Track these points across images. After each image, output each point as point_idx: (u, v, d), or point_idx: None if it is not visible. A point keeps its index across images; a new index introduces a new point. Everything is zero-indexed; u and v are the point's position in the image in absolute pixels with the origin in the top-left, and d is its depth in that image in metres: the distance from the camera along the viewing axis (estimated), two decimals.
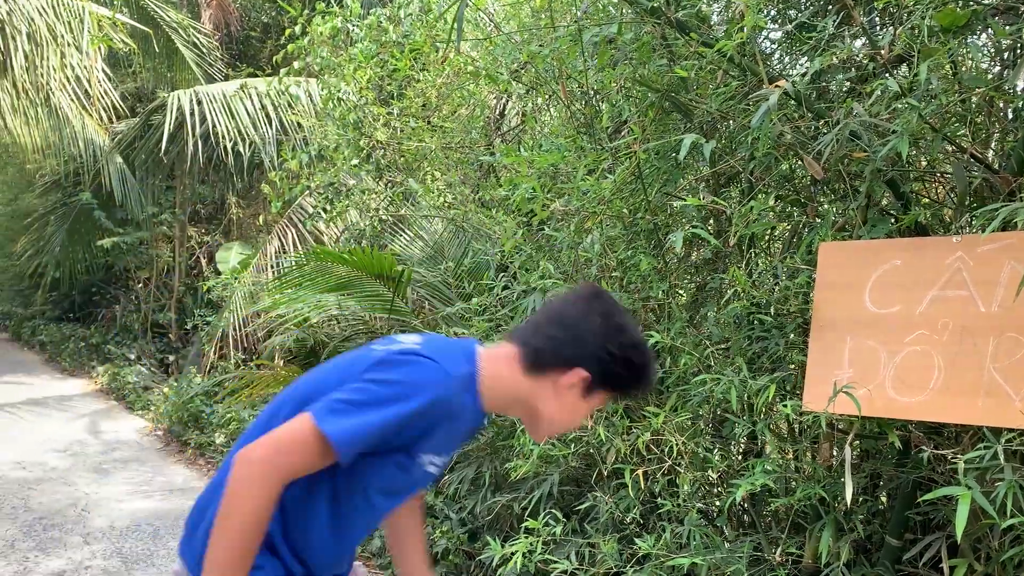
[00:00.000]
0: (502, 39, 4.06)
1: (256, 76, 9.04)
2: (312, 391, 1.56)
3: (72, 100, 8.67)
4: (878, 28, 2.69)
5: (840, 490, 2.20)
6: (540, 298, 3.14)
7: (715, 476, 3.09)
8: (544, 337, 1.59)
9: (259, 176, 9.80)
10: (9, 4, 7.46)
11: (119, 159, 10.18)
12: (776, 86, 2.11)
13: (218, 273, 9.51)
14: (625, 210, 3.01)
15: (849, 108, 2.18)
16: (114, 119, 9.95)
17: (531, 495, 3.34)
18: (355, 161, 5.38)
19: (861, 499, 2.61)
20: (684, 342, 2.67)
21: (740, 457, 3.03)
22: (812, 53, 2.45)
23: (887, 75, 2.22)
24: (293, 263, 5.65)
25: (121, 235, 10.98)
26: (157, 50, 9.93)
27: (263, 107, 8.77)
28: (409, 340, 1.57)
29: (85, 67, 8.24)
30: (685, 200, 2.52)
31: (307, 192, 6.68)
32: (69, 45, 7.84)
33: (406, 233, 5.76)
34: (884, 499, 2.74)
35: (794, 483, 2.46)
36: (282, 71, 6.40)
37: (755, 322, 2.64)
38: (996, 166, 2.28)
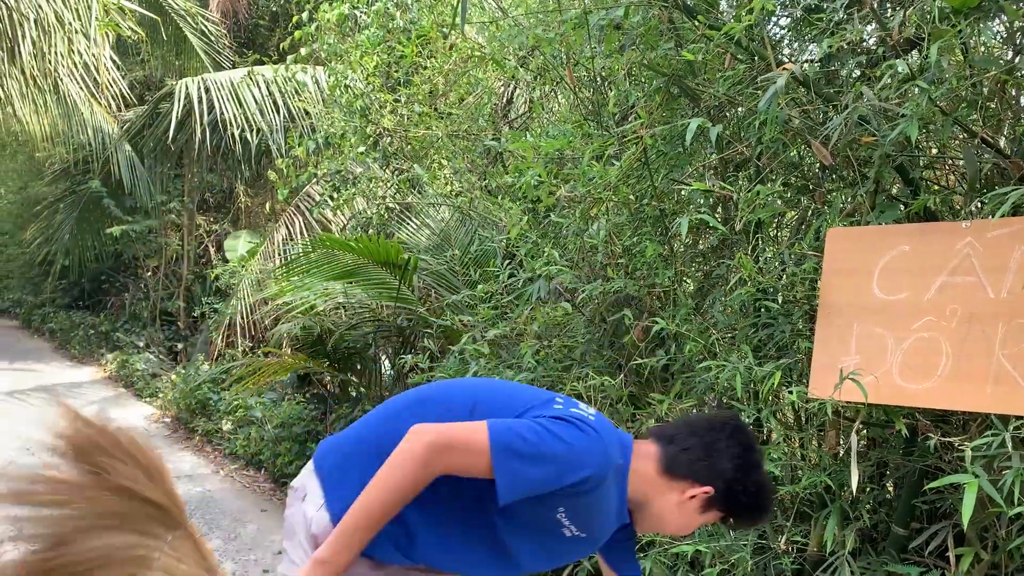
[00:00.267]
0: (509, 24, 4.03)
1: (262, 63, 9.02)
2: (478, 403, 1.69)
3: (81, 88, 8.66)
4: (888, 11, 2.65)
5: (846, 478, 2.18)
6: (545, 285, 3.12)
7: None
8: (685, 448, 1.71)
9: (267, 164, 9.80)
10: None
11: (128, 147, 10.18)
12: (784, 69, 2.08)
13: (226, 261, 9.53)
14: (631, 196, 2.99)
15: (858, 92, 2.15)
16: (123, 107, 9.95)
17: None
18: (361, 149, 5.36)
19: (867, 488, 2.58)
20: (690, 329, 2.65)
21: None
22: (821, 37, 2.42)
23: (897, 58, 2.19)
24: (300, 251, 5.64)
25: (130, 223, 11.00)
26: (165, 38, 9.91)
27: (270, 95, 8.76)
28: (586, 409, 1.69)
29: (93, 55, 8.24)
30: (691, 185, 2.49)
31: (314, 180, 6.67)
32: (77, 32, 7.83)
33: (413, 221, 5.74)
34: (891, 488, 2.72)
35: (800, 471, 2.44)
36: (289, 58, 6.38)
37: (762, 309, 2.61)
38: (1008, 152, 2.25)
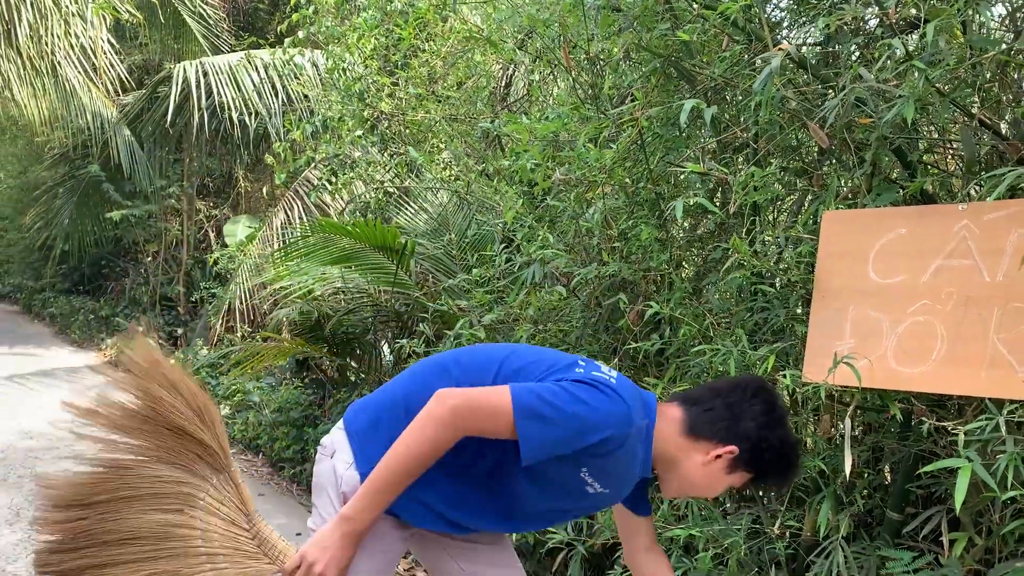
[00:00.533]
0: (505, 5, 3.99)
1: (258, 46, 8.97)
2: (505, 366, 1.73)
3: (79, 71, 8.64)
4: None
5: (840, 463, 2.17)
6: (540, 269, 3.10)
7: None
8: (707, 408, 1.74)
9: (266, 148, 9.77)
10: None
11: (127, 131, 10.15)
12: (779, 49, 2.05)
13: (226, 246, 9.51)
14: (627, 180, 2.96)
15: (856, 73, 2.12)
16: (121, 91, 9.91)
17: None
18: (359, 132, 5.33)
19: (863, 473, 2.57)
20: (684, 313, 2.63)
21: None
22: (819, 17, 2.39)
23: (897, 38, 2.16)
24: (297, 235, 5.63)
25: (129, 208, 10.98)
26: (163, 21, 9.86)
27: (269, 78, 8.73)
28: (608, 371, 1.71)
29: (90, 37, 8.20)
30: (686, 168, 2.47)
31: (312, 165, 6.64)
32: (74, 15, 7.79)
33: (411, 206, 5.72)
34: (887, 472, 2.70)
35: None
36: (286, 41, 6.34)
37: (758, 293, 2.59)
38: (1007, 134, 2.23)
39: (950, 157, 2.66)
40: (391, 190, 5.78)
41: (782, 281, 2.55)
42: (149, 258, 12.18)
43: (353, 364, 6.05)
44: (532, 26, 3.39)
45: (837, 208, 2.30)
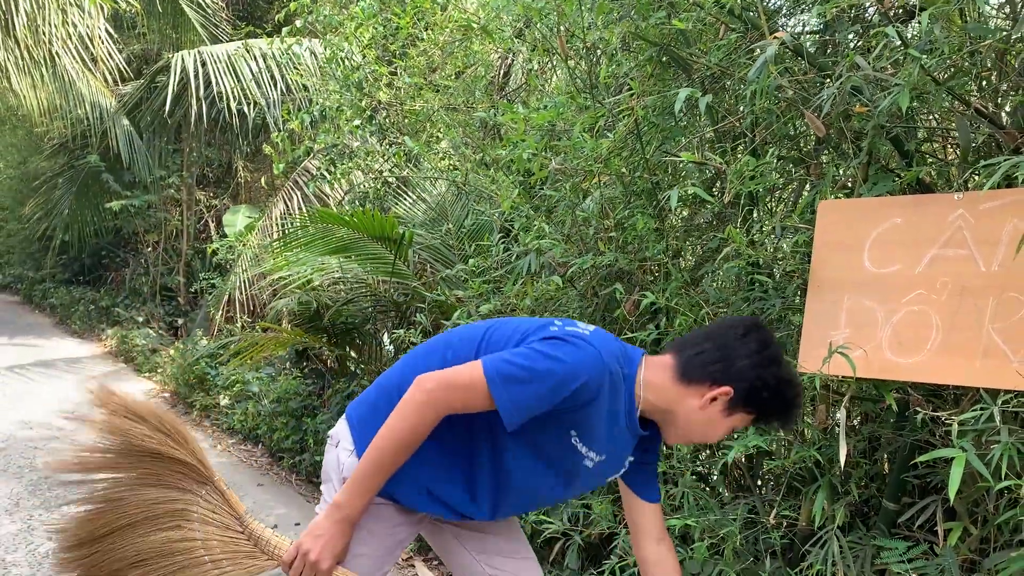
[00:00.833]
0: None
1: (255, 36, 8.93)
2: (488, 338, 1.76)
3: (76, 61, 8.61)
4: None
5: (836, 453, 2.17)
6: (536, 259, 3.10)
7: None
8: (699, 351, 1.72)
9: (265, 138, 9.74)
10: None
11: (125, 121, 10.12)
12: (774, 37, 2.04)
13: (225, 236, 9.50)
14: (624, 169, 2.95)
15: (852, 61, 2.10)
16: (120, 81, 9.88)
17: None
18: (357, 122, 5.31)
19: (859, 462, 2.57)
20: (680, 303, 2.63)
21: None
22: (815, 5, 2.37)
23: (892, 26, 2.14)
24: (296, 225, 5.62)
25: (129, 198, 10.96)
26: (161, 11, 9.82)
27: (267, 68, 8.69)
28: (584, 327, 1.72)
29: (88, 27, 8.17)
30: (681, 157, 2.46)
31: (312, 154, 6.63)
32: (71, 5, 7.75)
33: (409, 195, 5.71)
34: (884, 463, 2.70)
35: (788, 445, 2.42)
36: (284, 30, 6.32)
37: (755, 283, 2.59)
38: (1005, 123, 2.21)
39: (948, 146, 2.64)
40: (390, 180, 5.77)
41: (780, 271, 2.54)
42: (149, 248, 12.17)
43: (352, 354, 6.05)
44: (528, 15, 3.37)
45: (835, 197, 2.29)
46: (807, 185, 2.76)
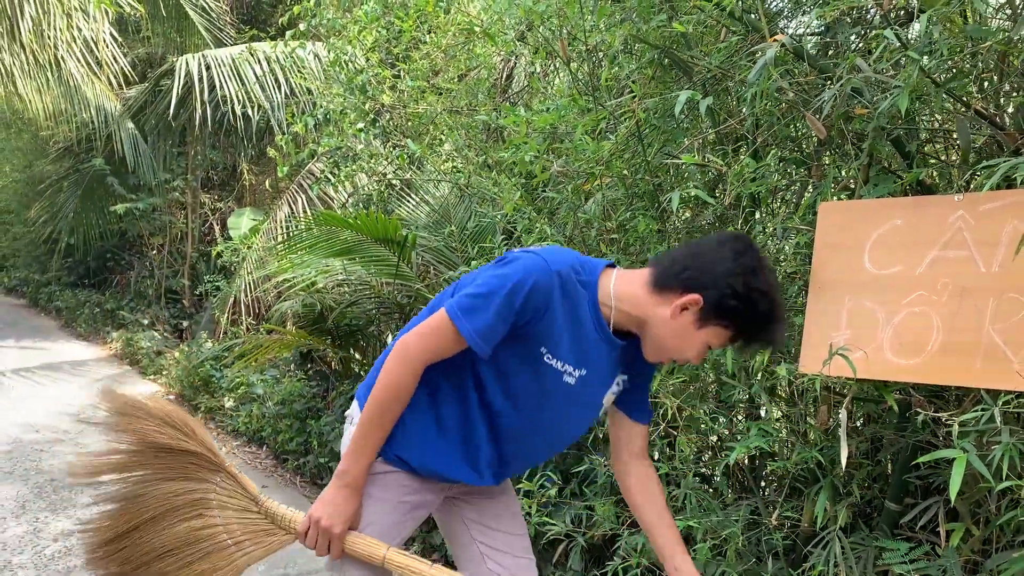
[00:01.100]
0: None
1: (259, 39, 8.95)
2: (457, 285, 1.82)
3: (81, 65, 8.63)
4: None
5: (837, 454, 2.17)
6: None
7: (715, 440, 3.07)
8: (672, 260, 1.71)
9: (270, 141, 9.77)
10: None
11: (130, 124, 10.16)
12: (774, 40, 2.05)
13: (230, 239, 9.52)
14: (625, 171, 2.96)
15: (852, 63, 2.11)
16: (125, 85, 9.92)
17: None
18: (360, 125, 5.33)
19: (862, 463, 2.58)
20: None
21: (743, 420, 3.00)
22: (815, 7, 2.38)
23: (898, 28, 2.15)
24: (300, 228, 5.63)
25: (134, 201, 10.99)
26: (165, 14, 9.85)
27: (271, 71, 8.71)
28: (537, 247, 1.75)
29: (93, 31, 8.20)
30: (681, 159, 2.46)
31: (316, 157, 6.64)
32: (76, 9, 7.79)
33: (412, 198, 5.72)
34: (887, 463, 2.70)
35: (789, 446, 2.43)
36: (287, 33, 6.34)
37: None
38: (1006, 124, 2.21)
39: (950, 147, 2.64)
40: (393, 182, 5.78)
41: (782, 272, 2.55)
42: (154, 251, 12.20)
43: (356, 356, 6.07)
44: (530, 18, 3.38)
45: (836, 198, 2.30)
46: (809, 186, 2.76)
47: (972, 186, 2.26)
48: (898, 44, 1.99)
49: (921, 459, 1.89)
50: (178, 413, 1.96)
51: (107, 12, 8.26)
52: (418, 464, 1.82)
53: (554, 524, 2.87)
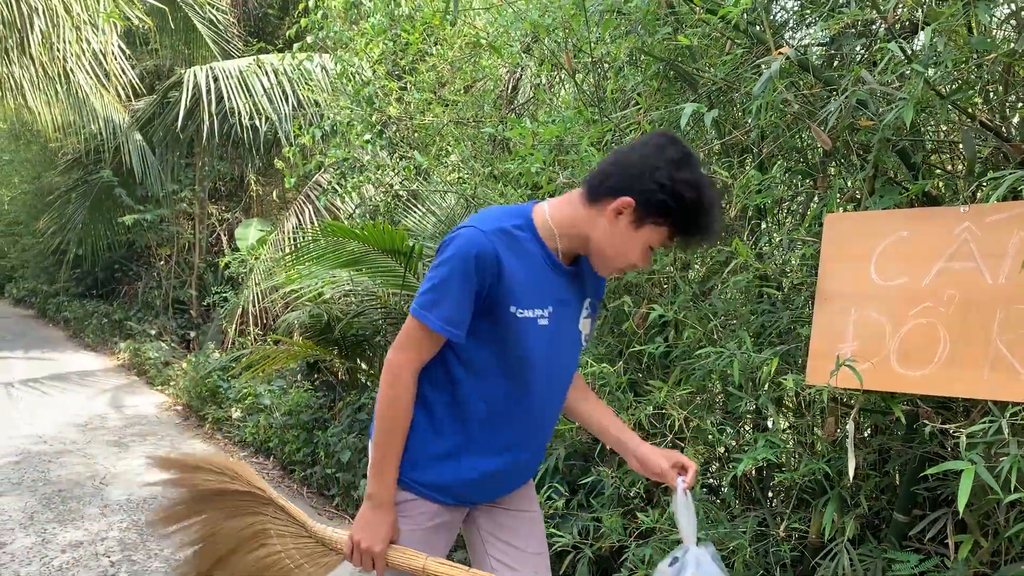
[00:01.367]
0: (508, 10, 4.00)
1: (266, 51, 9.00)
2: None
3: (90, 77, 8.70)
4: None
5: (845, 465, 2.17)
6: None
7: (722, 451, 3.07)
8: (600, 171, 1.73)
9: (277, 152, 9.81)
10: None
11: (138, 136, 10.22)
12: (779, 53, 2.06)
13: (237, 250, 9.55)
14: None
15: (857, 76, 2.12)
16: (132, 97, 9.98)
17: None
18: (367, 136, 5.36)
19: (869, 475, 2.57)
20: (689, 316, 2.64)
21: (751, 432, 3.00)
22: (821, 20, 2.39)
23: (904, 40, 2.16)
24: (307, 239, 5.65)
25: (142, 212, 11.04)
26: (173, 27, 9.93)
27: (279, 83, 8.76)
28: (465, 219, 1.79)
29: (101, 43, 8.26)
30: None
31: (323, 168, 6.67)
32: (85, 23, 7.85)
33: (419, 209, 5.74)
34: (895, 475, 2.70)
35: (800, 458, 2.42)
36: (295, 46, 6.38)
37: (763, 295, 2.60)
38: (1013, 136, 2.22)
39: (956, 158, 2.65)
40: (400, 193, 5.80)
41: (789, 283, 2.55)
42: (162, 262, 12.24)
43: (363, 366, 6.08)
44: (535, 31, 3.40)
45: (842, 209, 2.30)
46: (814, 198, 2.77)
47: (978, 197, 2.27)
48: (903, 56, 1.99)
49: (929, 471, 1.89)
50: (220, 460, 2.14)
51: (116, 25, 8.33)
52: (435, 478, 1.84)
53: (561, 536, 2.87)
